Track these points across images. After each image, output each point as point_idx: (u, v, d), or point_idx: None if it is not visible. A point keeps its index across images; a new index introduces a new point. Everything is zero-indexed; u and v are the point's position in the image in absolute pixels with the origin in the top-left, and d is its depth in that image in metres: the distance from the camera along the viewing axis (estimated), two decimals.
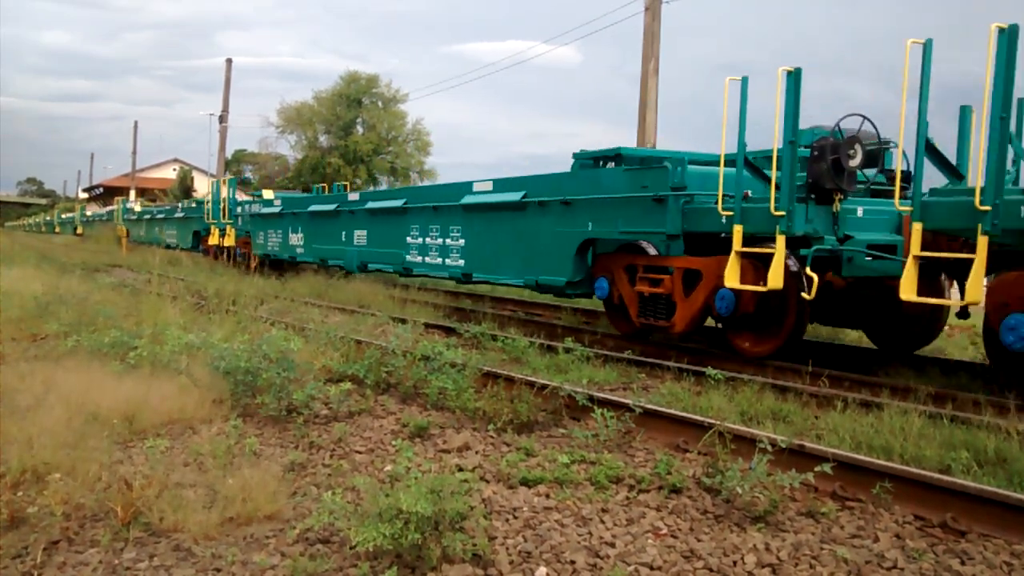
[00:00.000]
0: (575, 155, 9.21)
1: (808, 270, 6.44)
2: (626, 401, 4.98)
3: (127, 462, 4.15)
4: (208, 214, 21.14)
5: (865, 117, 7.27)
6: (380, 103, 43.45)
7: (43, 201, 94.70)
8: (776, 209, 6.61)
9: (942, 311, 7.58)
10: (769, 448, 3.92)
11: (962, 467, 4.24)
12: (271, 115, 67.77)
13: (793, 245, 6.89)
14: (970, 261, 5.59)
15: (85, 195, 78.78)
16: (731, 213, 7.00)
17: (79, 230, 44.07)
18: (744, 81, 6.87)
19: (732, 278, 6.93)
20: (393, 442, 4.62)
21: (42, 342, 7.23)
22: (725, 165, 7.13)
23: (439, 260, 11.44)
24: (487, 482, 4.01)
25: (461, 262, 10.91)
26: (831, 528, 3.54)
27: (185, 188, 56.11)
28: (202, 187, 55.69)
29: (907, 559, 3.23)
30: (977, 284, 5.66)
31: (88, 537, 3.34)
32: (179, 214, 26.00)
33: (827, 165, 6.67)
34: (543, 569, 3.07)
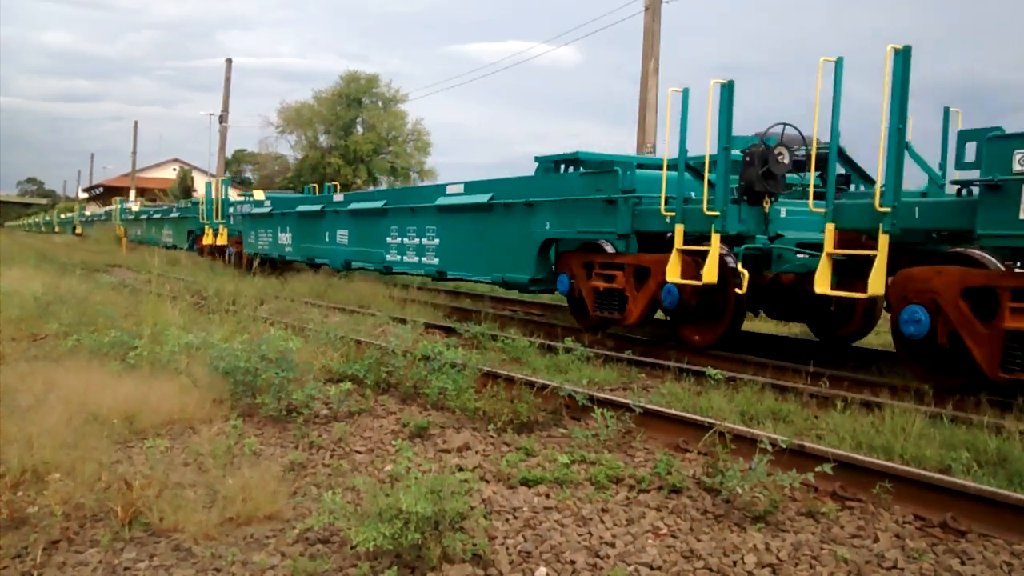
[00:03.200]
0: (537, 158, 9.63)
1: (740, 266, 6.97)
2: (626, 401, 4.98)
3: (127, 462, 4.15)
4: (203, 214, 21.38)
5: (789, 124, 7.45)
6: (380, 103, 43.44)
7: (43, 201, 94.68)
8: (710, 209, 7.01)
9: (876, 305, 7.80)
10: (769, 448, 3.92)
11: (962, 467, 4.24)
12: (271, 115, 67.85)
13: (730, 243, 7.41)
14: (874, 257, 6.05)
15: (85, 195, 78.80)
16: (673, 214, 7.38)
17: (78, 230, 44.98)
18: (685, 92, 7.31)
19: (674, 273, 7.35)
20: (393, 442, 4.61)
21: (42, 342, 7.23)
22: (668, 169, 7.49)
23: (416, 259, 11.75)
24: (487, 482, 4.01)
25: (436, 260, 11.22)
26: (831, 528, 3.54)
27: (185, 188, 56.16)
28: (202, 187, 55.72)
29: (907, 559, 3.23)
30: (878, 278, 6.02)
31: (88, 537, 3.34)
32: (175, 214, 26.49)
33: (757, 169, 7.04)
34: (543, 569, 3.07)
